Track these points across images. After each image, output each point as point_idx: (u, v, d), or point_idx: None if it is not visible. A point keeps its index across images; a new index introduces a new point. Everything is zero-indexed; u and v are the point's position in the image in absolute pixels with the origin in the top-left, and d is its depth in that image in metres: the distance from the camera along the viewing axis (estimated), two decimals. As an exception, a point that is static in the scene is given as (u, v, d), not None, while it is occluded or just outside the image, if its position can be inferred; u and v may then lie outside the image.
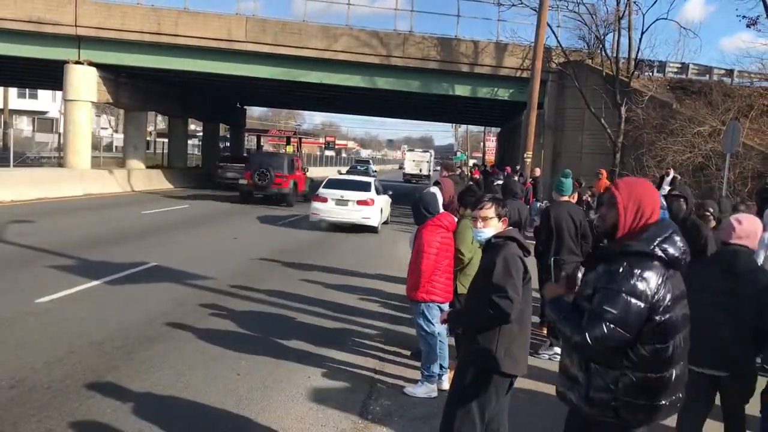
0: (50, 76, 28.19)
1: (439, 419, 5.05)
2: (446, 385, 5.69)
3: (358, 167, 44.32)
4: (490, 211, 3.80)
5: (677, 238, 2.71)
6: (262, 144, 75.90)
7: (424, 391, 5.65)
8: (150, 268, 10.16)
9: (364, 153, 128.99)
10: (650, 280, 2.60)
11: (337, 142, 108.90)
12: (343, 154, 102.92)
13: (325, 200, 16.67)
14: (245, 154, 37.65)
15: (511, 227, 3.90)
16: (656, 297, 2.60)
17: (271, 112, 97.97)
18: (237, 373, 5.81)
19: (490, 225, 3.79)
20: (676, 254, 2.68)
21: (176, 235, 14.06)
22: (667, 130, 20.31)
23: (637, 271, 2.60)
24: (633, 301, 2.58)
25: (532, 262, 4.69)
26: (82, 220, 15.67)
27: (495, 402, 3.62)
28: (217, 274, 9.95)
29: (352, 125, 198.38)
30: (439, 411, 5.19)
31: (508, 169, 22.20)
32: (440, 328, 5.84)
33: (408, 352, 6.73)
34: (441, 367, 5.82)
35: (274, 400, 5.27)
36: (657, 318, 2.62)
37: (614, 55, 22.61)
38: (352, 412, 5.14)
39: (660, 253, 2.65)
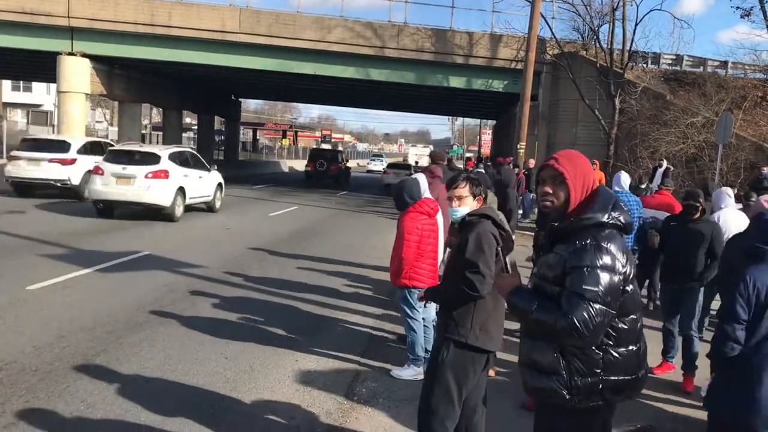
0: (44, 68, 28.10)
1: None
2: None
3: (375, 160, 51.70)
4: (464, 190, 3.84)
5: (621, 204, 2.69)
6: (258, 137, 76.04)
7: (410, 373, 5.70)
8: (142, 256, 10.18)
9: (361, 147, 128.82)
10: (617, 251, 2.54)
11: (334, 135, 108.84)
12: (340, 148, 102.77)
13: (101, 173, 14.06)
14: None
15: (486, 206, 3.95)
16: (624, 266, 2.56)
17: (267, 105, 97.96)
18: (225, 357, 5.85)
19: (465, 203, 3.83)
20: (628, 220, 2.66)
21: (169, 225, 14.07)
22: (661, 121, 20.38)
23: (604, 244, 2.53)
24: (608, 275, 2.49)
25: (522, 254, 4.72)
26: (75, 209, 15.66)
27: (472, 378, 3.66)
28: (208, 263, 9.97)
29: (349, 118, 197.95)
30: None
31: (505, 159, 22.25)
32: (428, 314, 5.90)
33: (394, 337, 6.78)
34: (427, 351, 5.86)
35: (261, 383, 5.31)
36: (628, 288, 2.60)
37: (608, 46, 22.65)
38: (339, 394, 5.19)
39: (615, 221, 2.62)
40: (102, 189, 14.06)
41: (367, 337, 6.82)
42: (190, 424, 4.46)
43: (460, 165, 25.56)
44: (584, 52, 23.84)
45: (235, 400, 4.94)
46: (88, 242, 11.01)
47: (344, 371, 5.73)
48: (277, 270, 9.92)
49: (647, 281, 8.67)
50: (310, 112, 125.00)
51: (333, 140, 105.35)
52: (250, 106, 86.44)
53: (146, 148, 15.63)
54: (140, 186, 13.96)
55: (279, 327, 6.92)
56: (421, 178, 5.82)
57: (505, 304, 3.65)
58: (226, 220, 15.55)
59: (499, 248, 3.57)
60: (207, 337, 6.39)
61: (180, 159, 15.31)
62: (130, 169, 14.03)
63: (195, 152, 17.32)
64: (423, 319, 5.85)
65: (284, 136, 78.88)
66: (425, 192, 5.92)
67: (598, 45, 23.14)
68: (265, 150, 66.44)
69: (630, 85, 21.67)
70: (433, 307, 5.94)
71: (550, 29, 23.15)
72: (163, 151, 15.00)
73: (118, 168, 14.04)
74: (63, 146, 16.99)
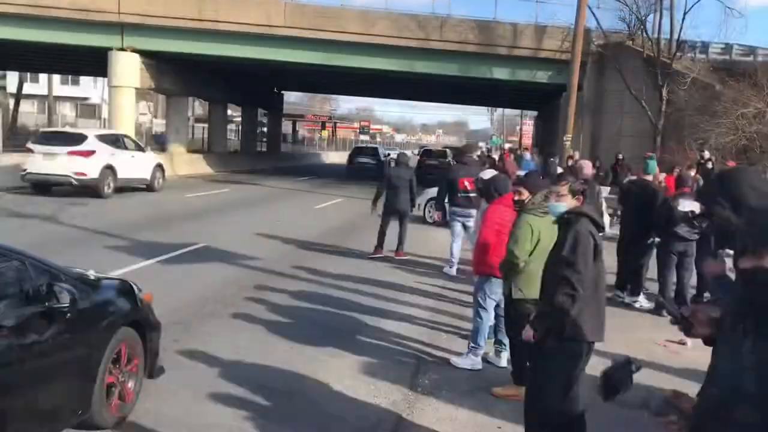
0: (94, 62, 28.78)
1: (487, 392, 5.28)
2: (504, 362, 5.86)
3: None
4: (565, 187, 4.01)
5: None
6: (297, 129, 76.75)
7: (469, 363, 5.83)
8: (200, 248, 10.51)
9: (399, 137, 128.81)
10: None
11: (372, 126, 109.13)
12: (378, 139, 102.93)
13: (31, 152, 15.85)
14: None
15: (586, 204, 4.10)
16: None
17: (305, 96, 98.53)
18: (291, 347, 6.07)
19: (564, 200, 3.98)
20: None
21: (222, 217, 14.44)
22: (710, 112, 20.03)
23: None
24: None
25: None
26: (130, 202, 16.16)
27: (575, 369, 3.78)
28: (264, 255, 10.25)
29: (386, 110, 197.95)
30: (487, 384, 5.42)
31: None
32: (502, 305, 5.98)
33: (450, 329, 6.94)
34: (502, 343, 5.96)
35: (328, 372, 5.51)
36: None
37: (656, 36, 22.30)
38: (403, 385, 5.36)
39: None
40: (34, 168, 15.64)
41: (425, 329, 6.97)
42: (267, 411, 4.68)
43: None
44: (630, 42, 23.51)
45: (305, 388, 5.15)
46: (145, 234, 11.39)
47: (405, 363, 5.90)
48: (330, 263, 10.14)
49: None
50: (348, 103, 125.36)
51: (371, 131, 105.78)
52: (290, 97, 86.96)
53: (74, 130, 17.49)
54: (66, 163, 15.46)
55: (339, 319, 7.13)
56: (489, 174, 6.00)
57: (605, 295, 3.83)
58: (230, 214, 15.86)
59: (597, 247, 3.73)
60: (273, 327, 6.63)
61: (110, 140, 16.91)
62: (58, 149, 15.54)
63: (129, 135, 19.19)
64: (497, 309, 5.87)
65: (323, 127, 79.47)
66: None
67: (644, 35, 22.80)
68: (305, 141, 66.92)
69: (678, 75, 21.32)
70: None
71: (596, 19, 22.94)
72: (91, 132, 16.97)
73: (48, 148, 15.53)
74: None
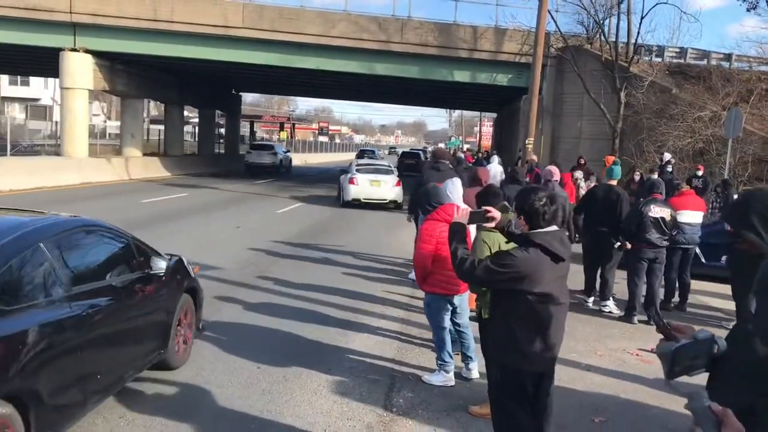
0: (45, 63, 27.91)
1: (463, 411, 5.12)
2: (475, 374, 5.73)
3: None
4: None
5: None
6: (255, 130, 75.85)
7: (440, 379, 5.68)
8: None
9: (357, 138, 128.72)
10: None
11: (331, 127, 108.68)
12: (337, 140, 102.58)
13: None
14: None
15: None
16: None
17: (263, 97, 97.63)
18: (257, 366, 5.79)
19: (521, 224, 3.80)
20: None
21: (179, 224, 14.01)
22: (667, 115, 20.33)
23: None
24: None
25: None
26: (82, 209, 15.56)
27: (510, 398, 3.62)
28: (223, 265, 9.91)
29: (345, 110, 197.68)
30: (463, 402, 5.25)
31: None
32: (462, 319, 5.85)
33: (421, 341, 6.76)
34: (466, 357, 5.82)
35: (297, 394, 5.26)
36: None
37: (613, 40, 22.56)
38: (377, 405, 5.14)
39: None
40: None
41: (396, 342, 6.78)
42: (233, 439, 4.41)
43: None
44: (589, 45, 23.74)
45: (272, 413, 4.88)
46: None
47: (378, 380, 5.68)
48: (293, 272, 9.86)
49: None
50: (306, 104, 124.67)
51: (330, 132, 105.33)
52: (247, 98, 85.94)
53: None
54: None
55: (306, 333, 6.87)
56: (456, 183, 5.78)
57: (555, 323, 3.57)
58: (235, 219, 15.49)
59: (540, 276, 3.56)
60: (237, 344, 6.33)
61: None
62: None
63: None
64: (458, 324, 5.81)
65: (282, 128, 78.77)
66: (452, 197, 5.88)
67: (602, 38, 23.05)
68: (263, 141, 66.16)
69: (636, 78, 21.59)
70: (466, 312, 5.91)
71: (555, 23, 23.05)
72: None
73: None
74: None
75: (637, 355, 6.84)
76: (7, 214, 4.57)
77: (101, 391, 4.21)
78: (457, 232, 3.76)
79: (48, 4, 22.36)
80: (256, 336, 6.67)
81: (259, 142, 43.33)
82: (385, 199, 19.61)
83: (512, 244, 3.74)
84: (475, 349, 5.79)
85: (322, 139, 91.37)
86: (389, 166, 21.87)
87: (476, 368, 5.75)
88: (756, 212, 2.13)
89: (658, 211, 7.83)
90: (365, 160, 26.11)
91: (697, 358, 2.05)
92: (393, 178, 20.12)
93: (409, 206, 10.35)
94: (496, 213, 3.81)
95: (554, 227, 3.57)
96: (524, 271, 3.41)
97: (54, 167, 21.12)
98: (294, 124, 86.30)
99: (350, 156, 54.72)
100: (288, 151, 42.39)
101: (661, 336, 2.15)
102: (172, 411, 4.77)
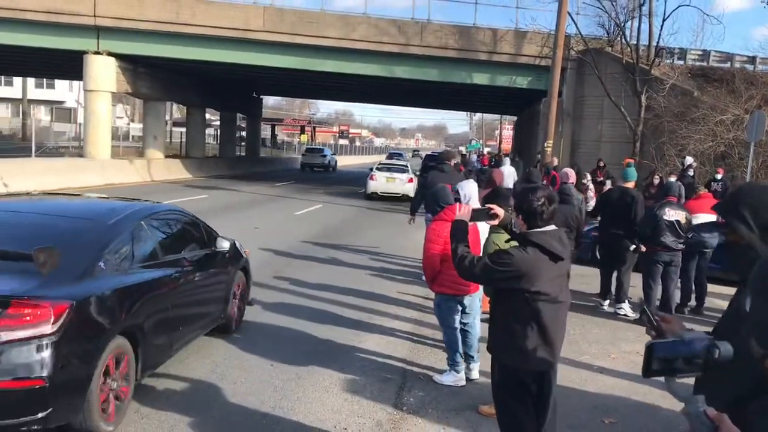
0: (69, 66, 28.40)
1: (473, 410, 5.14)
2: (475, 374, 5.78)
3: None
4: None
5: None
6: (276, 133, 76.34)
7: (450, 379, 5.73)
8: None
9: (378, 141, 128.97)
10: None
11: (351, 130, 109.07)
12: (357, 143, 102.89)
13: None
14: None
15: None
16: None
17: (284, 101, 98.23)
18: (270, 364, 5.87)
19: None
20: None
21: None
22: (689, 118, 20.14)
23: None
24: None
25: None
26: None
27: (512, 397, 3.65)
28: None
29: (366, 113, 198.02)
30: (473, 402, 5.28)
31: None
32: (470, 319, 5.88)
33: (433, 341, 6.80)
34: (468, 356, 5.86)
35: (308, 391, 5.32)
36: None
37: (634, 42, 22.41)
38: (387, 403, 5.19)
39: None
40: None
41: (408, 342, 6.82)
42: (244, 435, 4.49)
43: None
44: (609, 48, 23.60)
45: (285, 410, 4.95)
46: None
47: (389, 379, 5.73)
48: (309, 272, 9.94)
49: None
50: (327, 107, 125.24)
51: (350, 135, 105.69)
52: (268, 101, 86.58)
53: None
54: None
55: (320, 332, 6.94)
56: (469, 185, 5.81)
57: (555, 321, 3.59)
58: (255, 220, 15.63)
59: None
60: (250, 342, 6.43)
61: None
62: None
63: None
64: (464, 323, 5.85)
65: (302, 131, 79.22)
66: (469, 199, 5.91)
67: (623, 41, 22.90)
68: (284, 146, 66.60)
69: (657, 81, 21.42)
70: (475, 313, 5.94)
71: (576, 25, 22.94)
72: None
73: None
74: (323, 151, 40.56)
75: (651, 357, 6.80)
76: (111, 200, 6.11)
77: (181, 340, 5.41)
78: (459, 229, 3.81)
79: (72, 8, 22.74)
80: (270, 335, 6.75)
81: (312, 146, 53.85)
82: (399, 193, 22.72)
83: (513, 243, 3.78)
84: (477, 349, 5.84)
85: (343, 142, 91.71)
86: (405, 166, 25.27)
87: (477, 368, 5.82)
88: (746, 204, 2.15)
89: (672, 214, 7.80)
90: (385, 161, 28.92)
91: (688, 361, 1.89)
92: (406, 176, 23.57)
93: (411, 207, 10.43)
94: (499, 211, 3.83)
95: (552, 227, 3.60)
96: (522, 269, 3.45)
97: (77, 168, 21.45)
98: (315, 127, 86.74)
99: (370, 158, 55.56)
100: (334, 153, 50.29)
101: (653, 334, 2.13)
102: (185, 406, 4.86)
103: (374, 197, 22.86)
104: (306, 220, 16.49)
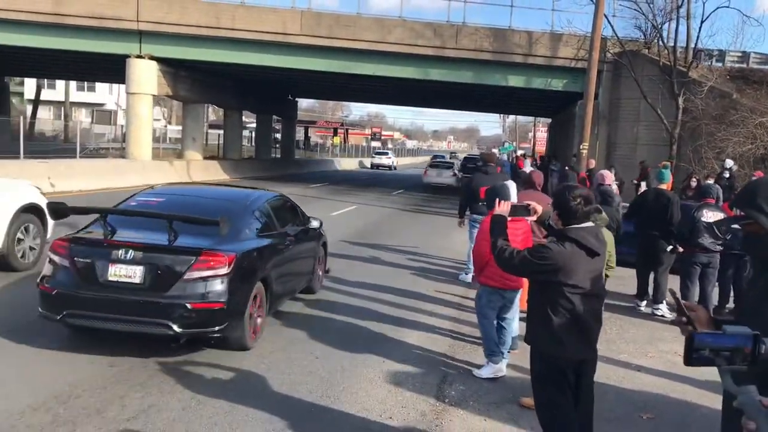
0: (111, 69, 29.10)
1: (514, 403, 5.30)
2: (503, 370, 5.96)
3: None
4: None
5: None
6: (309, 135, 76.95)
7: (488, 371, 5.91)
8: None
9: (410, 143, 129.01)
10: None
11: (383, 133, 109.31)
12: (389, 145, 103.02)
13: None
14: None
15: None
16: None
17: (317, 103, 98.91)
18: (315, 356, 6.10)
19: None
20: None
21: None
22: (727, 120, 19.93)
23: None
24: None
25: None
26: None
27: (552, 386, 3.78)
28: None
29: (398, 116, 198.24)
30: (515, 395, 5.43)
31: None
32: (509, 313, 6.06)
33: (473, 338, 6.96)
34: (502, 351, 6.03)
35: (353, 382, 5.54)
36: None
37: (672, 44, 22.23)
38: (429, 395, 5.37)
39: None
40: None
41: (448, 339, 6.99)
42: (293, 421, 4.70)
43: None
44: (646, 50, 23.44)
45: (332, 399, 5.17)
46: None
47: (431, 373, 5.91)
48: (348, 270, 10.17)
49: None
50: (360, 109, 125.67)
51: (383, 137, 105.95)
52: (302, 104, 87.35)
53: None
54: None
55: (361, 327, 7.16)
56: (512, 186, 6.02)
57: (591, 313, 3.76)
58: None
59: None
60: (294, 334, 6.68)
61: None
62: None
63: None
64: (503, 320, 6.02)
65: (335, 134, 79.67)
66: (513, 197, 6.11)
67: (660, 43, 22.73)
68: (318, 148, 67.14)
69: (695, 84, 21.23)
70: (515, 310, 6.12)
71: (612, 28, 22.86)
72: None
73: None
74: (388, 153, 58.33)
75: (688, 357, 6.86)
76: (242, 189, 8.29)
77: (288, 292, 7.27)
78: (498, 223, 4.03)
79: (116, 12, 23.38)
80: (313, 328, 6.97)
81: (379, 150, 64.00)
82: (444, 184, 32.68)
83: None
84: (509, 346, 6.07)
85: (375, 144, 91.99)
86: (450, 163, 37.94)
87: (504, 365, 5.99)
88: (763, 196, 2.29)
89: (710, 216, 7.84)
90: (433, 161, 39.61)
91: (731, 353, 1.94)
92: (450, 171, 34.56)
93: (459, 209, 10.55)
94: (537, 207, 4.05)
95: (589, 223, 3.77)
96: (559, 263, 3.63)
97: (119, 169, 22.04)
98: (347, 130, 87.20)
99: (405, 160, 60.59)
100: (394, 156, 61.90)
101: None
102: (237, 394, 5.10)
103: (428, 188, 31.30)
104: (342, 221, 16.75)
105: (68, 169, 19.17)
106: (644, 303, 8.94)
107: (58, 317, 5.55)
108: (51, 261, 5.74)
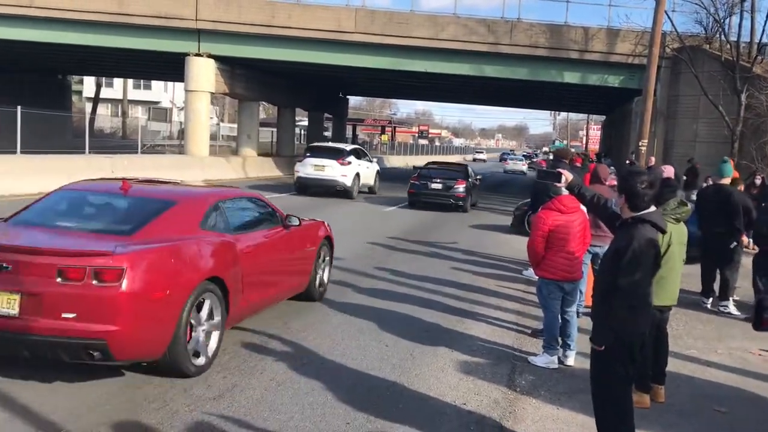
0: (168, 68, 29.90)
1: (585, 393, 5.32)
2: (571, 361, 6.03)
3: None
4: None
5: None
6: (357, 133, 77.30)
7: (543, 360, 6.01)
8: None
9: (457, 142, 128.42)
10: None
11: (431, 131, 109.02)
12: (437, 143, 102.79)
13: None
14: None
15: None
16: None
17: (365, 101, 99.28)
18: (385, 345, 6.23)
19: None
20: None
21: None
22: (793, 117, 19.33)
23: None
24: None
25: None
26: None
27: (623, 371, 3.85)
28: (342, 255, 10.42)
29: (446, 113, 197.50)
30: (584, 386, 5.44)
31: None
32: (568, 306, 6.10)
33: (530, 330, 7.01)
34: (566, 344, 6.07)
35: (425, 370, 5.65)
36: None
37: (735, 39, 21.66)
38: (501, 384, 5.45)
39: None
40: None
41: (512, 332, 7.04)
42: (371, 403, 4.84)
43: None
44: (707, 45, 22.88)
45: (405, 385, 5.29)
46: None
47: (499, 363, 5.99)
48: (407, 264, 10.29)
49: None
50: (407, 107, 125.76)
51: (430, 135, 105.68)
52: (350, 102, 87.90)
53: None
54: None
55: (426, 318, 7.26)
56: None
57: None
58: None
59: (657, 255, 3.87)
60: (364, 324, 6.83)
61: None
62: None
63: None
64: (565, 311, 6.07)
65: (383, 131, 79.83)
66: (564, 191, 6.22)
67: (722, 38, 22.17)
68: (367, 145, 67.52)
69: (759, 79, 20.63)
70: (575, 301, 6.17)
71: (671, 22, 22.41)
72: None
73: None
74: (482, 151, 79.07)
75: (759, 354, 6.78)
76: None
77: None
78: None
79: (176, 11, 24.01)
80: (380, 318, 7.11)
81: (477, 149, 79.33)
82: (519, 171, 48.85)
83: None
84: (576, 339, 6.09)
85: (422, 142, 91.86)
86: (521, 156, 53.91)
87: (573, 356, 6.05)
88: None
89: (785, 211, 7.70)
90: (504, 155, 51.59)
91: None
92: (521, 162, 52.06)
93: (530, 207, 10.72)
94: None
95: (653, 208, 3.90)
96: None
97: (180, 165, 22.67)
98: (395, 127, 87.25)
99: (453, 158, 62.14)
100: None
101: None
102: (315, 377, 5.27)
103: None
104: (395, 217, 16.89)
105: (132, 164, 19.81)
106: (710, 300, 8.81)
107: None
108: None
